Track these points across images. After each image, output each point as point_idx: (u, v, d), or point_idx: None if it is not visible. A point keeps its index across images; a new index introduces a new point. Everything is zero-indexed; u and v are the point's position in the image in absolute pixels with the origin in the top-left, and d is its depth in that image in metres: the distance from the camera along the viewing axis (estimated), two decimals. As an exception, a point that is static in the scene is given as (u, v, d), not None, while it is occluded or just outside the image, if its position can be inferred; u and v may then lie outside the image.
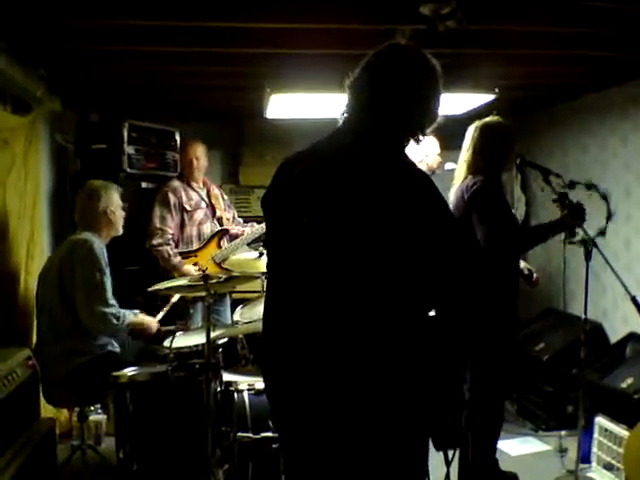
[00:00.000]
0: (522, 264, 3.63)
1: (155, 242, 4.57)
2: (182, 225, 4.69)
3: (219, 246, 4.75)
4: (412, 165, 1.77)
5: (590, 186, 3.33)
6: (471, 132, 3.31)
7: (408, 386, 1.69)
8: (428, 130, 1.88)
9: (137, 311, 3.62)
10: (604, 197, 3.31)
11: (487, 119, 3.31)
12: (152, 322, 3.68)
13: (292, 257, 1.80)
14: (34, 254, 3.91)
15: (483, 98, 3.98)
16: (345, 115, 1.87)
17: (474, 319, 1.74)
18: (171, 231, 4.63)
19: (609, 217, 3.32)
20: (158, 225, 4.60)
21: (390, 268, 1.66)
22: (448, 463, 1.77)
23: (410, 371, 1.69)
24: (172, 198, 4.66)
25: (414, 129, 1.86)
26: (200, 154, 4.85)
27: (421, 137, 1.87)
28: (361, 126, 1.82)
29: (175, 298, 3.89)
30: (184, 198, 4.70)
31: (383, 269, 1.66)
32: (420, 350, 1.68)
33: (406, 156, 1.82)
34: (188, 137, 5.00)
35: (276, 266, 1.89)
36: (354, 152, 1.78)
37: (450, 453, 1.76)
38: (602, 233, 3.32)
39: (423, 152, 4.59)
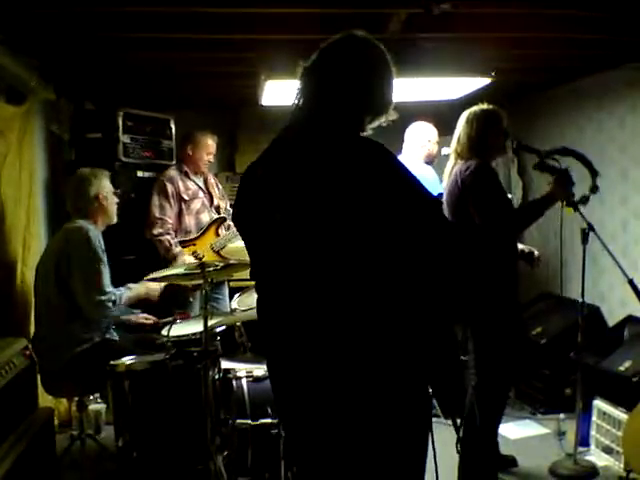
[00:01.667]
0: (520, 246, 3.62)
1: (156, 232, 4.56)
2: (180, 214, 4.67)
3: (217, 234, 4.74)
4: (369, 141, 1.77)
5: (566, 151, 3.31)
6: (459, 121, 3.31)
7: (401, 358, 1.69)
8: (385, 114, 1.90)
9: (130, 284, 3.59)
10: (580, 159, 3.29)
11: (474, 107, 3.29)
12: (151, 286, 3.64)
13: (275, 258, 1.79)
14: (30, 245, 3.89)
15: (479, 82, 3.95)
16: (296, 102, 1.89)
17: (462, 283, 1.74)
18: (171, 220, 4.61)
19: (594, 175, 3.30)
20: (157, 215, 4.59)
21: (366, 244, 1.66)
22: (457, 429, 1.78)
23: (401, 343, 1.68)
24: (169, 187, 4.63)
25: (363, 110, 1.87)
26: (214, 150, 4.81)
27: (377, 119, 1.90)
28: (311, 107, 1.85)
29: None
30: (181, 187, 4.68)
31: (360, 247, 1.66)
32: (409, 323, 1.69)
33: (362, 137, 1.83)
34: (202, 130, 4.79)
35: (264, 276, 1.88)
36: (306, 135, 1.80)
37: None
38: (595, 189, 3.30)
39: (425, 138, 4.60)
